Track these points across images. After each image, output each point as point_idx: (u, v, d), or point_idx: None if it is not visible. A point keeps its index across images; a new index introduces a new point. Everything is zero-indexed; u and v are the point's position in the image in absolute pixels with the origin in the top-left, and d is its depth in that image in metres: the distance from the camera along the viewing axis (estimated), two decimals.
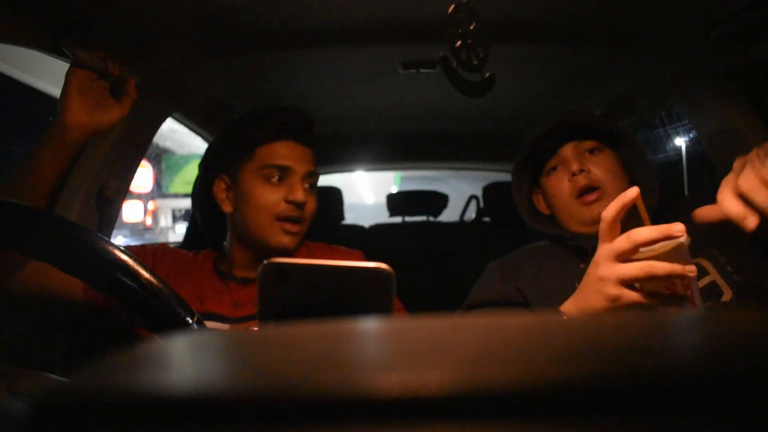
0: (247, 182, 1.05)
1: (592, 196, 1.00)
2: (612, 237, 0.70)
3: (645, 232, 0.66)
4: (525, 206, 1.11)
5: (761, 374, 0.16)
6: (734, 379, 0.16)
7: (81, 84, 0.90)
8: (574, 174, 1.00)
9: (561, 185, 1.04)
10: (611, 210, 0.70)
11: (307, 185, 1.06)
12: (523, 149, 1.09)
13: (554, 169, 1.06)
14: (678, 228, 0.65)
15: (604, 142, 1.04)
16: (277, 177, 1.04)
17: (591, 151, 1.03)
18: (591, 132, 1.04)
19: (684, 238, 0.65)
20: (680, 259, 0.65)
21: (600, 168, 1.01)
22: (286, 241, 1.03)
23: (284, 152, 1.05)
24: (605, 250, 0.70)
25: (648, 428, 0.15)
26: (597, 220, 0.98)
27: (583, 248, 0.99)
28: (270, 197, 1.03)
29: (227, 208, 1.08)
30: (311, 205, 1.07)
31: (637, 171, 1.05)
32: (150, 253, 1.09)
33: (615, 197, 0.97)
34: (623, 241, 0.67)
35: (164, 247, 1.13)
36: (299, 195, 1.02)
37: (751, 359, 0.17)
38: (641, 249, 0.68)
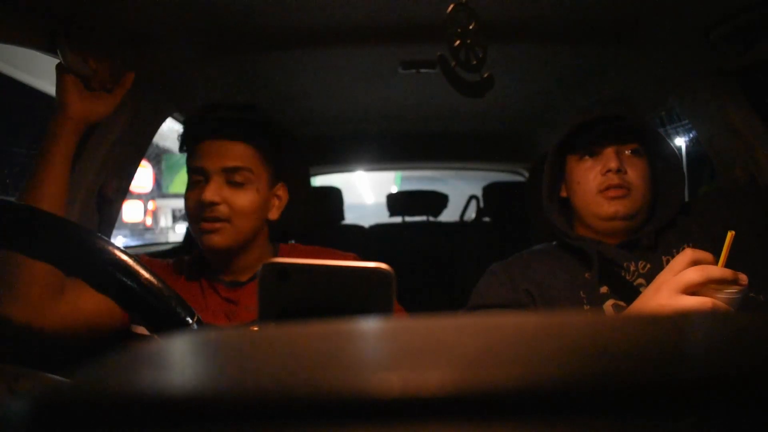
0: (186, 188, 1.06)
1: (618, 192, 0.97)
2: (682, 267, 0.71)
3: (720, 272, 0.67)
4: (547, 191, 1.07)
5: (762, 375, 0.16)
6: (735, 380, 0.16)
7: (73, 78, 0.92)
8: (609, 170, 0.97)
9: (589, 174, 1.00)
10: (706, 256, 0.71)
11: (228, 182, 1.01)
12: (567, 131, 1.04)
13: (588, 157, 1.02)
14: (745, 278, 0.67)
15: (642, 148, 1.01)
16: (195, 180, 1.02)
17: (630, 152, 1.00)
18: (632, 132, 1.00)
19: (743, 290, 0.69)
20: (733, 305, 0.69)
21: (636, 172, 0.98)
22: (207, 241, 1.00)
23: (199, 153, 1.02)
24: (674, 280, 0.70)
25: (648, 428, 0.15)
26: (614, 217, 0.98)
27: (587, 253, 0.98)
28: (190, 201, 1.02)
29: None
30: (238, 203, 1.01)
31: (667, 181, 1.03)
32: None
33: (637, 202, 0.98)
34: (697, 273, 0.68)
35: (144, 259, 1.10)
36: (205, 194, 0.98)
37: (752, 359, 0.17)
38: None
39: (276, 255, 1.12)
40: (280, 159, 1.09)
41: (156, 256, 1.18)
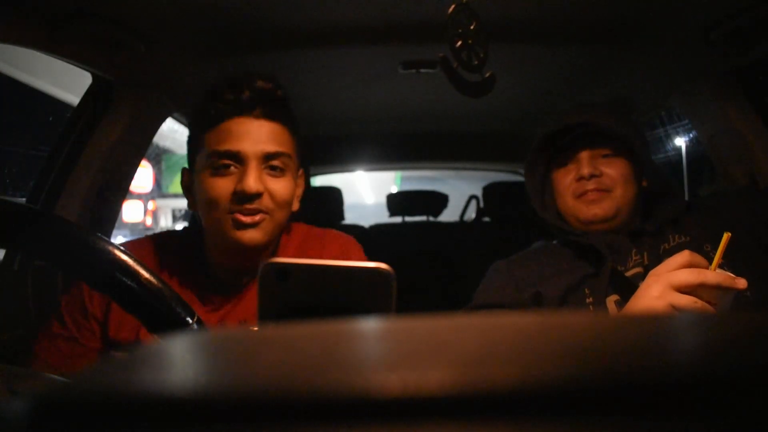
0: (198, 176, 0.89)
1: (593, 196, 0.99)
2: (678, 267, 0.72)
3: (715, 278, 0.68)
4: (538, 198, 1.10)
5: (761, 374, 0.16)
6: (734, 379, 0.16)
7: None
8: (582, 177, 1.00)
9: (566, 180, 1.03)
10: (702, 262, 0.72)
11: (267, 168, 0.88)
12: (537, 140, 1.07)
13: (564, 164, 1.04)
14: (743, 283, 0.68)
15: (619, 149, 1.02)
16: (223, 165, 0.86)
17: (605, 156, 1.02)
18: (608, 135, 1.02)
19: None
20: (724, 304, 0.70)
21: (614, 171, 1.00)
22: (243, 237, 0.86)
23: (231, 133, 0.85)
24: (668, 276, 0.71)
25: (648, 428, 0.15)
26: (593, 220, 0.99)
27: (596, 248, 0.97)
28: (218, 191, 0.85)
29: (191, 206, 0.95)
30: (279, 192, 0.88)
31: (651, 180, 1.05)
32: None
33: (617, 201, 0.99)
34: (693, 275, 0.69)
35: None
36: (247, 183, 0.83)
37: (752, 359, 0.17)
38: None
39: (279, 245, 1.02)
40: (300, 141, 0.96)
41: None
